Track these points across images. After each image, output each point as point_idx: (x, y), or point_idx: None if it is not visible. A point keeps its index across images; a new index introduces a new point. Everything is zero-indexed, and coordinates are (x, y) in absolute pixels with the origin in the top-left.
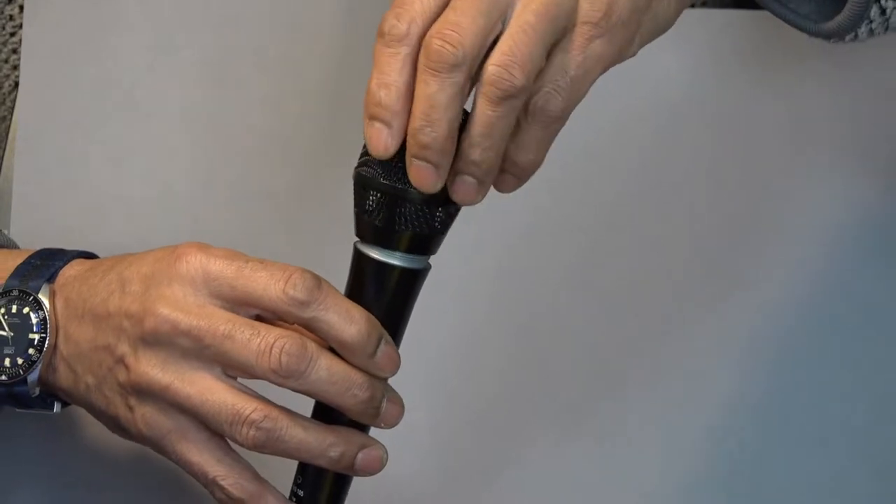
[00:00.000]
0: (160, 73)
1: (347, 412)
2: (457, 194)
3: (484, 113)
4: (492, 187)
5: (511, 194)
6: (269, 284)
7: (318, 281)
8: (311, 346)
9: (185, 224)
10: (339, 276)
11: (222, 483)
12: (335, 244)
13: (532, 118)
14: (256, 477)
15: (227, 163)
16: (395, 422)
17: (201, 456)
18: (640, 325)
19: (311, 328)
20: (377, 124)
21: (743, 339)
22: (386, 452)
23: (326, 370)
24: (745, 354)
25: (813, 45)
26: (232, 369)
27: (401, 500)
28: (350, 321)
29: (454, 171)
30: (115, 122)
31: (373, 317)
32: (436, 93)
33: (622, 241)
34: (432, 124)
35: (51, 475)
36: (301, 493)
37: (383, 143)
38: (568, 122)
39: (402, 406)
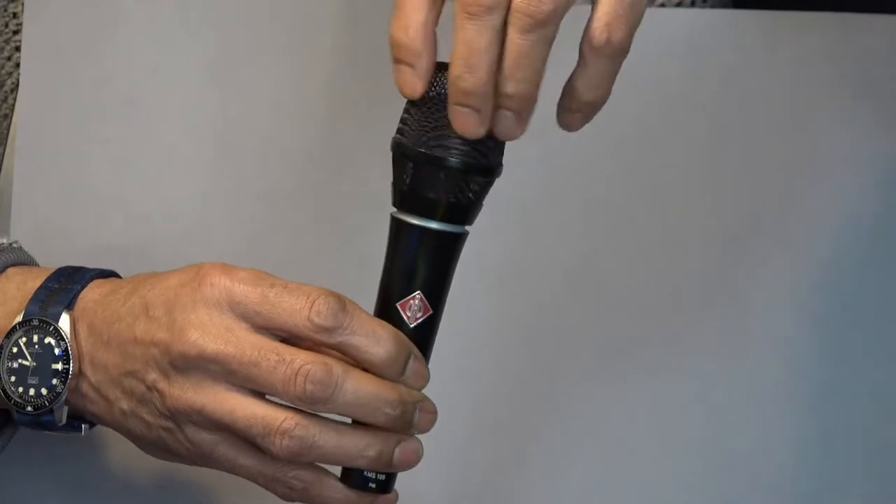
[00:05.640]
0: (160, 73)
1: (379, 427)
2: (496, 130)
3: (515, 42)
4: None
5: (512, 196)
6: (293, 312)
7: (343, 304)
8: (337, 371)
9: (186, 224)
10: (342, 276)
11: (282, 478)
12: (335, 243)
13: (598, 53)
14: (313, 466)
15: (227, 162)
16: (429, 428)
17: (254, 458)
18: (642, 325)
19: (339, 351)
20: (401, 67)
21: (745, 339)
22: (421, 444)
23: (353, 394)
24: (748, 355)
25: (814, 46)
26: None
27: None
28: (377, 343)
29: (496, 112)
30: (115, 121)
31: (400, 334)
32: (474, 37)
33: (623, 241)
34: (472, 69)
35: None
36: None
37: (410, 84)
38: None
39: (435, 412)
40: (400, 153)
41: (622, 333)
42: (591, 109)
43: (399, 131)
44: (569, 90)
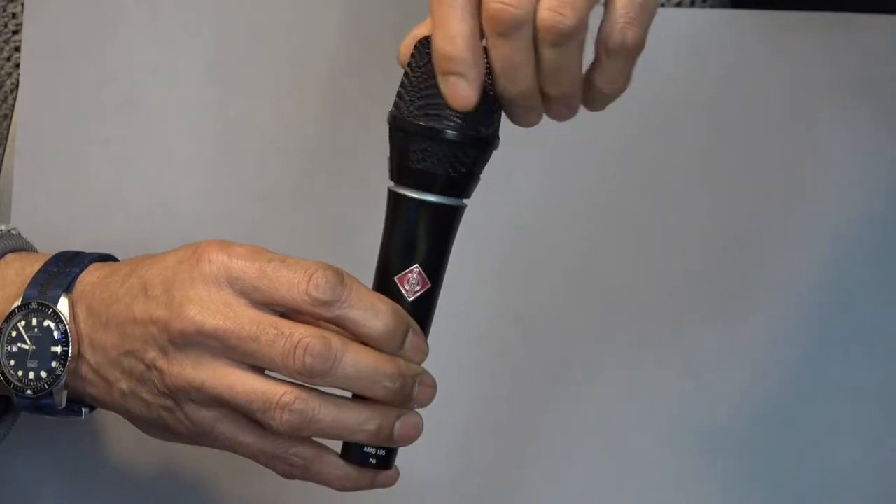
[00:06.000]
0: (160, 73)
1: (378, 400)
2: (549, 115)
3: (547, 57)
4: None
5: (512, 196)
6: (291, 286)
7: (341, 277)
8: (336, 344)
9: (185, 224)
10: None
11: (282, 455)
12: (335, 243)
13: (615, 54)
14: (313, 443)
15: (226, 162)
16: (429, 402)
17: (254, 435)
18: (643, 325)
19: (337, 325)
20: (452, 78)
21: (745, 338)
22: (421, 418)
23: (353, 367)
24: (749, 354)
25: (814, 46)
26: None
27: (401, 498)
28: (375, 316)
29: (547, 104)
30: (115, 121)
31: (399, 307)
32: (510, 53)
33: (623, 241)
34: (515, 82)
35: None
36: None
37: (464, 96)
38: (568, 122)
39: (434, 386)
40: (396, 126)
41: (622, 333)
42: (611, 98)
43: (395, 105)
44: (587, 84)
